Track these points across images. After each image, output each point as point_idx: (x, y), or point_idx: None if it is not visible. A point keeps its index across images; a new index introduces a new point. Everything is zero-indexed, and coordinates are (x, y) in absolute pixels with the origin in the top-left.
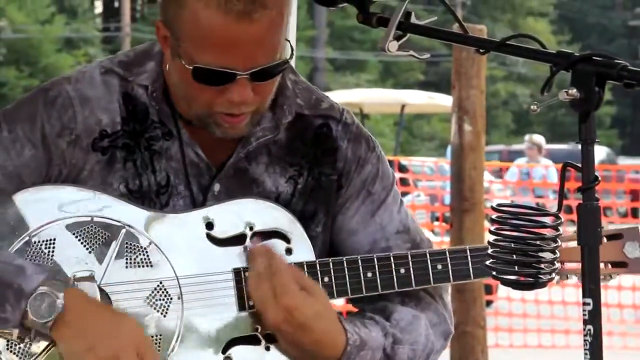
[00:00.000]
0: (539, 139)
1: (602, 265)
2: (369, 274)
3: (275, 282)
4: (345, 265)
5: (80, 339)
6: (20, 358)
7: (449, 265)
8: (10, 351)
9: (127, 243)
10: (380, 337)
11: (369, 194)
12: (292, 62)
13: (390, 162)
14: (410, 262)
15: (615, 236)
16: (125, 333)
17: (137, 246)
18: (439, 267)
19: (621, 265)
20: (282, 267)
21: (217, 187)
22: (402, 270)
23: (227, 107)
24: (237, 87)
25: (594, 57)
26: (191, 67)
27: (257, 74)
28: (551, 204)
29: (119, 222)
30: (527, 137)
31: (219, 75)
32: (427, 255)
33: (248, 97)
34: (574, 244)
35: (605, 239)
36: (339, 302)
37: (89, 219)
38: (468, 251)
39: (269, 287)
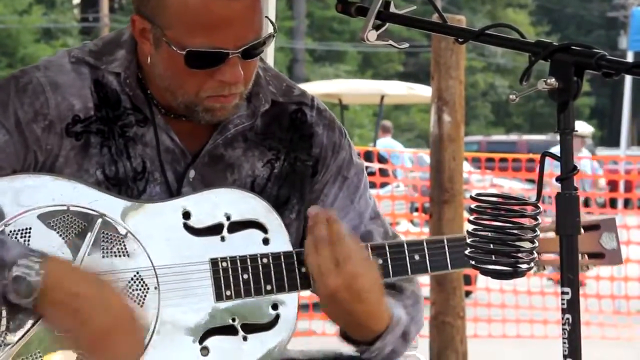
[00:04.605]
0: (583, 128)
1: (579, 256)
2: None
3: (339, 249)
4: None
5: (71, 316)
6: None
7: (427, 256)
8: None
9: (103, 232)
10: (405, 314)
11: (344, 180)
12: (271, 53)
13: (370, 152)
14: (388, 253)
15: (592, 227)
16: (116, 302)
17: (114, 235)
18: (417, 257)
19: (598, 256)
20: (345, 235)
21: (192, 173)
22: (380, 261)
23: (216, 90)
24: (228, 67)
25: (573, 47)
26: (183, 52)
27: (247, 52)
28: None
29: (95, 211)
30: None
31: (212, 57)
32: (405, 245)
33: (239, 76)
34: (551, 234)
35: (582, 230)
36: (306, 293)
37: (65, 208)
38: (445, 241)
39: (330, 253)
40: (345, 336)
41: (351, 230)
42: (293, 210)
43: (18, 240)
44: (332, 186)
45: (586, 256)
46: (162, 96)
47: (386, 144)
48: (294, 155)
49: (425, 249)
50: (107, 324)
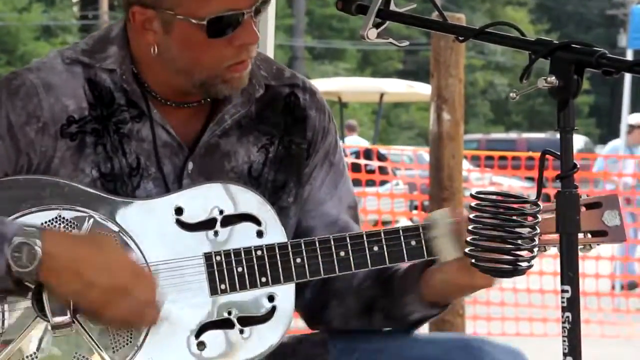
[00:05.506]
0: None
1: (581, 235)
2: (342, 253)
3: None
4: (317, 245)
5: (75, 280)
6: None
7: (423, 241)
8: None
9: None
10: None
11: (331, 165)
12: (271, 50)
13: (369, 150)
14: (384, 240)
15: (594, 205)
16: (116, 258)
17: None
18: (413, 243)
19: (601, 234)
20: None
21: (190, 166)
22: (376, 248)
23: (236, 56)
24: (244, 29)
25: (573, 45)
26: (204, 22)
27: (257, 9)
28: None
29: (85, 211)
30: (631, 116)
31: (231, 20)
32: (401, 232)
33: (256, 35)
34: (551, 215)
35: (584, 208)
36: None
37: (56, 209)
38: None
39: None
40: (431, 304)
41: (335, 215)
42: (291, 194)
43: None
44: (320, 170)
45: (589, 234)
46: (167, 83)
47: (353, 141)
48: (288, 138)
49: (422, 235)
50: (113, 279)
